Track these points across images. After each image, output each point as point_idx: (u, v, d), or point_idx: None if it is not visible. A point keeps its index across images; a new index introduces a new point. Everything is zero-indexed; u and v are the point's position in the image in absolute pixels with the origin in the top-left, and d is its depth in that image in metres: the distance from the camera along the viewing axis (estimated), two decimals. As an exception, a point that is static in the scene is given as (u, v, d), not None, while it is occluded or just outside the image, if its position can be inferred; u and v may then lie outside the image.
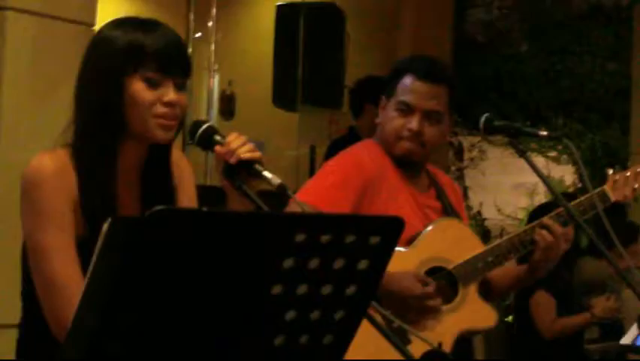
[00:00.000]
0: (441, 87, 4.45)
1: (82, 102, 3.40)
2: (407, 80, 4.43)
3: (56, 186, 3.23)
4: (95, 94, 3.35)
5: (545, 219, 4.38)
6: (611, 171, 4.54)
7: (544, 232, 4.33)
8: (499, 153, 11.65)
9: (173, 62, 3.36)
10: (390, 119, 4.43)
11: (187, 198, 3.59)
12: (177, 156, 3.59)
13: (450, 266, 4.34)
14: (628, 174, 4.50)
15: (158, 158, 3.49)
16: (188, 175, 3.62)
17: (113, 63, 3.31)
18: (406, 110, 4.41)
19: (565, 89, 12.55)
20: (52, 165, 3.27)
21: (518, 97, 11.94)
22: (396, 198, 4.32)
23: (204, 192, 3.75)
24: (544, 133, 4.42)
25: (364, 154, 4.48)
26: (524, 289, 7.46)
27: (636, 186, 4.47)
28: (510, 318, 8.70)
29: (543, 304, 7.42)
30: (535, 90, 12.37)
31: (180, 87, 3.35)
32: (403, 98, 4.42)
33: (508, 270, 4.49)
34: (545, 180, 4.26)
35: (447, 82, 4.47)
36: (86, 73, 3.42)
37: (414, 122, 4.38)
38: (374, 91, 4.51)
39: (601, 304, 7.54)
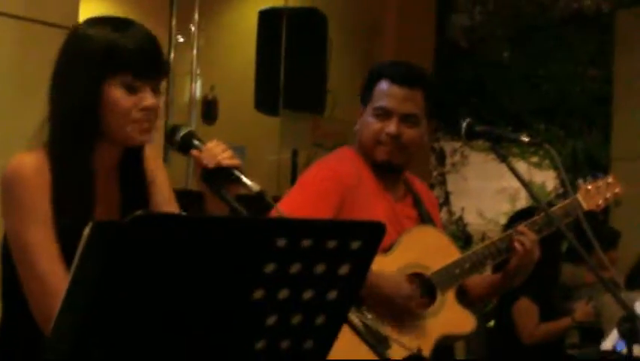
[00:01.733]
0: (417, 91, 4.46)
1: (57, 103, 3.39)
2: (383, 85, 4.44)
3: (37, 184, 3.23)
4: (70, 96, 3.34)
5: (521, 227, 4.40)
6: (581, 181, 4.56)
7: (521, 238, 4.35)
8: (481, 158, 11.66)
9: (150, 65, 3.35)
10: (367, 124, 4.44)
11: (162, 197, 3.59)
12: (150, 155, 3.58)
13: (428, 273, 4.35)
14: (599, 184, 4.52)
15: (132, 159, 3.50)
16: (162, 175, 3.62)
17: (91, 67, 3.30)
18: (383, 114, 4.41)
19: (546, 94, 12.58)
20: (32, 164, 3.27)
21: (500, 102, 11.96)
22: (373, 208, 4.32)
23: (184, 196, 3.75)
24: (526, 139, 4.43)
25: (343, 163, 4.48)
26: (507, 295, 7.48)
27: (608, 195, 4.49)
28: (492, 323, 8.71)
29: (526, 310, 7.44)
30: (517, 96, 12.39)
31: (156, 89, 3.36)
32: (380, 103, 4.42)
33: (484, 277, 4.50)
34: (527, 185, 4.28)
35: (423, 86, 4.48)
36: (62, 74, 3.41)
37: (392, 126, 4.39)
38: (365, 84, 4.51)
39: (581, 308, 7.57)
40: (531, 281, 7.11)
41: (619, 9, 10.49)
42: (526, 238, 4.35)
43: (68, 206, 3.26)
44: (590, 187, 4.49)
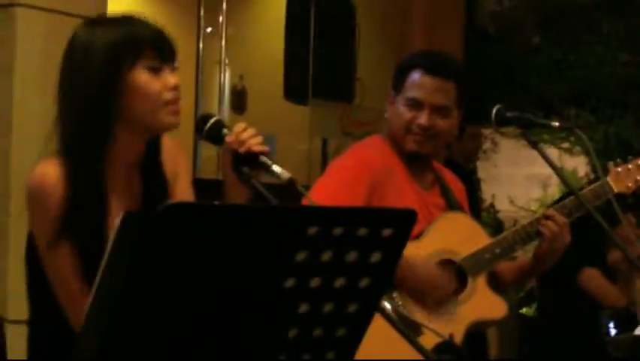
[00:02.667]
0: (449, 82, 4.45)
1: (70, 107, 3.39)
2: (415, 76, 4.44)
3: (61, 193, 3.26)
4: (88, 93, 3.34)
5: (550, 211, 4.40)
6: (611, 164, 4.55)
7: (549, 222, 4.35)
8: (511, 144, 11.64)
9: (167, 45, 3.41)
10: (399, 114, 4.43)
11: (180, 187, 3.63)
12: (170, 145, 3.61)
13: (458, 259, 4.35)
14: (630, 166, 4.51)
15: (153, 151, 3.53)
16: (183, 165, 3.69)
17: (110, 59, 3.32)
18: (415, 105, 4.41)
19: (577, 80, 12.55)
20: (53, 174, 3.30)
21: (530, 89, 11.94)
22: (403, 196, 4.32)
23: (215, 185, 3.75)
24: (557, 124, 4.45)
25: (373, 152, 4.48)
26: (562, 272, 7.45)
27: (638, 177, 4.48)
28: (525, 310, 8.68)
29: (596, 276, 7.35)
30: (547, 82, 12.37)
31: (173, 70, 3.41)
32: (412, 94, 4.42)
33: (515, 262, 4.50)
34: (558, 171, 4.28)
35: (455, 77, 4.47)
36: (74, 76, 3.40)
37: (423, 118, 4.39)
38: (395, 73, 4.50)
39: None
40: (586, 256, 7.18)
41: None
42: (555, 221, 4.35)
43: (88, 210, 3.29)
44: (620, 169, 4.48)
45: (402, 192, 4.35)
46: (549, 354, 7.72)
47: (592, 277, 7.38)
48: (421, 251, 4.18)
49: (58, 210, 3.25)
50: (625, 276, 7.19)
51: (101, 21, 3.51)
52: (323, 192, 4.21)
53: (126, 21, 3.42)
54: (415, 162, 4.49)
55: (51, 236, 3.25)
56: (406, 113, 4.43)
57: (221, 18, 9.80)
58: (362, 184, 4.27)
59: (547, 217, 4.36)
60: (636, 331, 4.50)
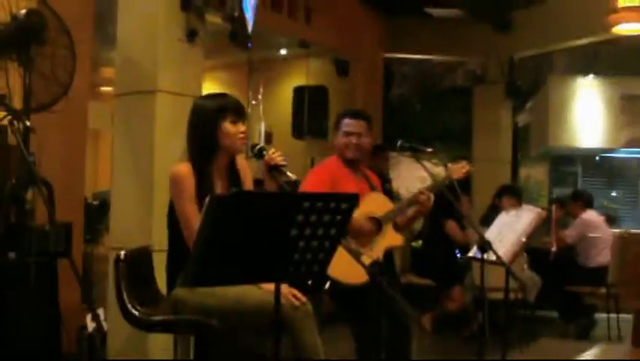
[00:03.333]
0: (361, 120, 4.48)
1: (195, 135, 3.53)
2: (345, 120, 4.47)
3: (188, 180, 3.35)
4: (202, 133, 3.51)
5: (423, 189, 4.40)
6: (450, 164, 4.56)
7: (421, 196, 4.35)
8: (407, 160, 11.65)
9: (240, 111, 3.55)
10: (341, 139, 4.45)
11: (248, 181, 3.67)
12: (241, 159, 3.69)
13: (378, 215, 4.35)
14: (459, 165, 4.51)
15: (233, 163, 3.61)
16: (248, 171, 3.70)
17: (213, 116, 3.49)
18: (347, 134, 4.44)
19: (438, 128, 12.60)
20: (185, 169, 3.41)
21: (415, 132, 11.98)
22: (347, 186, 4.33)
23: (258, 183, 3.80)
24: (429, 150, 4.45)
25: (330, 163, 4.51)
26: (435, 223, 7.46)
27: (464, 170, 4.48)
28: (416, 243, 8.64)
29: (454, 226, 7.31)
30: (424, 128, 12.41)
31: (244, 122, 3.55)
32: (346, 128, 4.45)
33: (405, 216, 4.47)
34: (430, 172, 4.29)
35: (364, 118, 4.50)
36: (196, 122, 3.54)
37: (353, 139, 4.43)
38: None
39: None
40: (449, 213, 7.16)
41: (475, 85, 10.45)
42: (425, 195, 4.36)
43: (202, 190, 3.32)
44: (454, 166, 4.48)
45: (347, 183, 4.35)
46: (429, 268, 7.67)
47: (451, 226, 7.37)
48: (359, 212, 4.19)
49: (188, 188, 3.38)
50: (466, 227, 7.21)
51: (208, 96, 3.71)
52: (308, 186, 4.25)
53: (221, 96, 3.62)
54: (352, 166, 4.49)
55: (184, 200, 3.38)
56: (344, 138, 4.45)
57: (260, 96, 9.82)
58: (325, 181, 4.29)
59: (421, 193, 4.36)
60: (469, 253, 4.47)
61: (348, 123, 4.49)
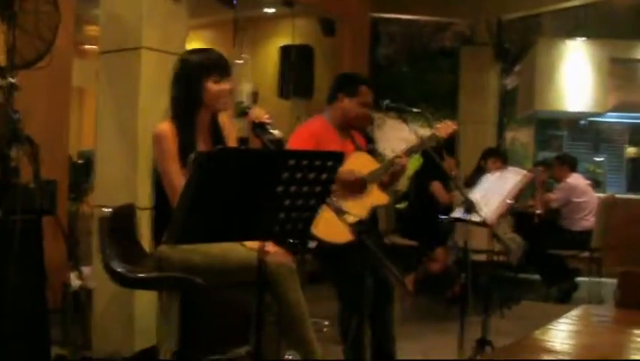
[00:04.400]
0: (373, 91, 4.50)
1: (177, 94, 3.52)
2: (363, 89, 4.46)
3: (170, 139, 3.34)
4: (185, 90, 3.50)
5: (400, 152, 4.44)
6: (437, 123, 4.58)
7: (398, 159, 4.38)
8: (392, 121, 11.65)
9: (225, 69, 3.53)
10: (356, 108, 4.44)
11: (231, 139, 3.68)
12: (226, 119, 3.69)
13: (363, 175, 4.38)
14: (446, 123, 4.53)
15: (215, 120, 3.62)
16: (232, 129, 3.71)
17: (197, 73, 3.48)
18: (366, 104, 4.45)
19: (424, 88, 12.59)
20: (167, 128, 3.41)
21: (402, 93, 11.95)
22: (332, 145, 4.35)
23: (242, 141, 3.82)
24: (416, 110, 4.47)
25: (316, 123, 4.50)
26: (420, 184, 7.48)
27: (450, 130, 4.51)
28: (401, 205, 8.67)
29: (439, 187, 7.32)
30: (410, 89, 12.39)
31: (229, 80, 3.53)
32: (365, 99, 4.45)
33: (386, 176, 4.50)
34: (416, 132, 4.31)
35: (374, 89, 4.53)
36: (179, 79, 3.53)
37: (369, 112, 4.50)
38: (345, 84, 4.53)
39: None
40: (435, 174, 7.18)
41: (461, 47, 10.44)
42: (401, 158, 4.38)
43: (184, 148, 3.34)
44: (440, 126, 4.50)
45: (332, 143, 4.36)
46: (413, 229, 7.69)
47: (437, 187, 7.39)
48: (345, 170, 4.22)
49: (170, 146, 3.38)
50: (452, 189, 7.23)
51: (193, 51, 3.65)
52: (294, 144, 4.26)
53: (206, 51, 3.59)
54: (345, 129, 4.52)
55: (167, 160, 3.38)
56: (360, 109, 4.45)
57: (246, 55, 9.82)
58: (310, 139, 4.30)
59: (397, 157, 4.39)
60: (452, 214, 4.51)
61: (367, 93, 4.48)
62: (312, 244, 4.07)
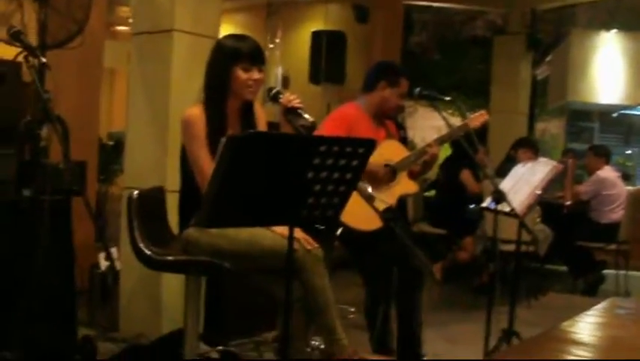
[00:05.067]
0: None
1: (209, 80, 3.50)
2: (404, 81, 4.42)
3: (199, 124, 3.33)
4: (217, 75, 3.48)
5: (431, 141, 4.40)
6: (469, 113, 4.53)
7: (429, 148, 4.35)
8: (423, 109, 11.63)
9: (256, 57, 3.47)
10: (392, 99, 4.41)
11: (262, 126, 3.64)
12: (257, 106, 3.65)
13: (393, 163, 4.35)
14: (477, 114, 4.49)
15: (247, 106, 3.57)
16: (262, 116, 3.67)
17: (227, 60, 3.45)
18: (402, 96, 4.43)
19: (455, 78, 12.53)
20: (197, 113, 3.39)
21: (433, 81, 11.89)
22: (364, 132, 4.31)
23: (273, 126, 3.79)
24: (447, 98, 4.41)
25: (349, 109, 4.46)
26: (450, 173, 7.44)
27: (482, 120, 4.47)
28: (430, 193, 8.64)
29: (469, 176, 7.29)
30: (441, 78, 12.33)
31: (260, 70, 3.45)
32: (403, 90, 4.42)
33: (416, 165, 4.48)
34: (447, 121, 4.26)
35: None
36: (211, 64, 3.51)
37: (403, 103, 4.47)
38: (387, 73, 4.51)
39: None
40: (465, 163, 7.15)
41: (496, 35, 10.36)
42: (432, 147, 4.35)
43: (213, 133, 3.32)
44: (473, 116, 4.45)
45: (364, 130, 4.33)
46: (441, 217, 7.66)
47: (466, 176, 7.35)
48: (375, 158, 4.19)
49: (199, 130, 3.36)
50: (481, 178, 7.18)
51: (229, 37, 3.60)
52: (326, 130, 4.22)
53: (241, 39, 3.53)
54: (380, 118, 4.49)
55: (196, 145, 3.36)
56: (399, 100, 4.43)
57: (278, 40, 9.82)
58: (343, 125, 4.26)
59: (428, 146, 4.36)
60: (483, 204, 4.48)
61: (405, 85, 4.44)
62: (339, 231, 4.04)
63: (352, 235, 4.06)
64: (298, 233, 3.26)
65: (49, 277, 4.00)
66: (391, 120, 4.74)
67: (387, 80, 4.43)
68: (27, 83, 4.41)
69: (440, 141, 4.41)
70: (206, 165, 3.27)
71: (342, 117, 4.39)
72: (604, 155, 8.11)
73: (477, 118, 4.47)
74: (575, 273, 7.99)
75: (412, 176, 4.49)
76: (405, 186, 4.39)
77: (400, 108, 4.52)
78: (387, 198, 4.19)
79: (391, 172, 4.34)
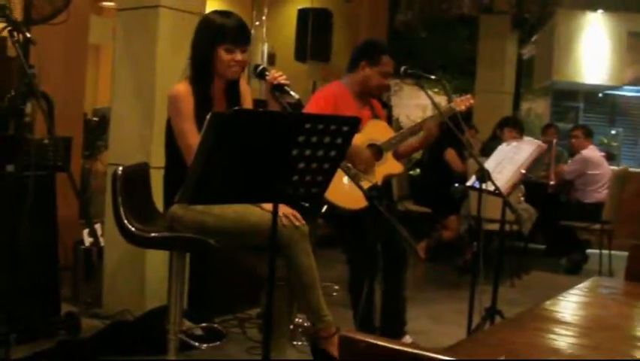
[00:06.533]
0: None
1: (194, 57, 3.50)
2: (386, 58, 4.41)
3: (187, 100, 3.32)
4: (201, 53, 3.48)
5: (428, 119, 4.40)
6: (455, 96, 4.55)
7: (428, 123, 4.36)
8: (409, 88, 11.63)
9: (240, 37, 3.47)
10: (374, 78, 4.39)
11: (247, 104, 3.63)
12: (243, 83, 3.65)
13: (378, 143, 4.35)
14: (463, 97, 4.51)
15: (232, 85, 3.57)
16: (247, 93, 3.67)
17: (210, 38, 3.45)
18: (386, 75, 4.41)
19: (442, 56, 12.53)
20: (184, 89, 3.38)
21: (419, 59, 11.87)
22: (349, 110, 4.31)
23: (259, 103, 3.79)
24: (433, 77, 4.40)
25: (334, 88, 4.45)
26: (434, 152, 7.45)
27: (467, 103, 4.48)
28: (414, 172, 8.66)
29: (454, 155, 7.31)
30: (428, 56, 12.32)
31: (244, 50, 3.46)
32: (386, 68, 4.40)
33: (407, 143, 4.48)
34: (432, 100, 4.25)
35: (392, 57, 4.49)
36: (196, 41, 3.51)
37: (387, 81, 4.46)
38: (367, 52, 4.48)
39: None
40: (450, 142, 7.16)
41: (482, 13, 10.35)
42: (431, 122, 4.36)
43: (200, 109, 3.31)
44: (458, 99, 4.47)
45: (349, 109, 4.32)
46: (426, 196, 7.70)
47: (451, 155, 7.37)
48: (360, 138, 4.19)
49: (187, 107, 3.38)
50: (466, 157, 7.18)
51: (215, 13, 3.56)
52: (312, 107, 4.21)
53: (227, 16, 3.50)
54: (364, 97, 4.48)
55: (183, 120, 3.37)
56: (381, 79, 4.41)
57: (264, 17, 9.78)
58: (329, 104, 4.25)
59: (427, 120, 4.37)
60: (467, 183, 4.50)
61: (388, 63, 4.42)
62: (324, 209, 4.05)
63: (337, 213, 4.06)
64: (286, 209, 3.27)
65: (32, 253, 4.00)
66: (376, 99, 4.74)
67: (368, 59, 4.42)
68: (11, 58, 4.39)
69: (433, 120, 4.42)
70: (193, 140, 3.25)
71: (328, 96, 4.38)
72: (587, 133, 8.14)
73: (463, 101, 4.49)
74: (556, 252, 8.04)
75: (400, 155, 4.50)
76: (390, 166, 4.40)
77: (385, 87, 4.51)
78: (372, 177, 4.20)
79: (377, 152, 4.34)
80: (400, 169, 4.50)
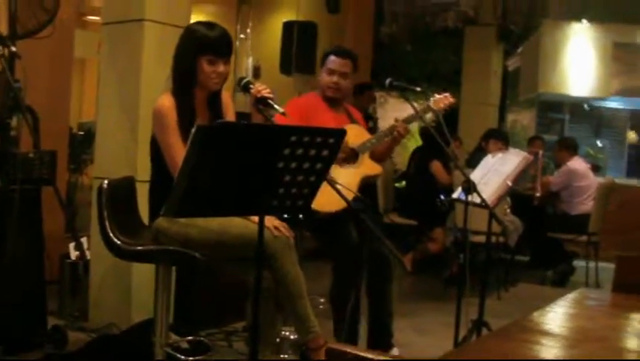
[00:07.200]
0: (347, 60, 4.49)
1: (176, 68, 3.53)
2: (331, 57, 4.47)
3: (170, 114, 3.34)
4: (183, 65, 3.51)
5: (400, 121, 4.43)
6: (435, 95, 4.58)
7: (398, 127, 4.38)
8: (394, 99, 11.66)
9: (220, 51, 3.49)
10: (324, 77, 4.47)
11: (230, 115, 3.67)
12: (225, 95, 3.67)
13: (355, 145, 4.38)
14: (442, 96, 4.54)
15: (214, 96, 3.60)
16: (229, 104, 3.69)
17: (192, 50, 3.48)
18: (331, 72, 4.46)
19: (427, 69, 12.58)
20: (167, 103, 3.40)
21: (403, 72, 11.92)
22: (324, 116, 4.36)
23: (243, 116, 3.82)
24: (418, 88, 4.44)
25: (306, 98, 4.55)
26: (420, 164, 7.48)
27: (447, 102, 4.50)
28: (400, 184, 8.67)
29: (439, 167, 7.31)
30: (412, 69, 12.37)
31: (226, 62, 3.49)
32: (330, 66, 4.46)
33: (381, 145, 4.49)
34: (417, 111, 4.28)
35: (351, 58, 4.51)
36: (178, 53, 3.54)
37: (334, 78, 4.46)
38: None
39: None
40: (435, 154, 7.18)
41: (467, 26, 10.40)
42: (400, 126, 4.38)
43: (184, 122, 3.34)
44: (436, 97, 4.50)
45: (323, 116, 4.37)
46: (412, 208, 7.70)
47: (437, 167, 7.38)
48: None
49: (171, 120, 3.38)
50: (452, 169, 7.21)
51: (198, 24, 3.57)
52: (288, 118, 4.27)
53: (209, 27, 3.51)
54: (332, 102, 4.51)
55: (168, 133, 3.39)
56: (327, 77, 4.47)
57: (249, 30, 9.80)
58: (298, 113, 4.27)
59: (396, 122, 4.40)
60: (453, 195, 4.52)
61: (333, 61, 4.49)
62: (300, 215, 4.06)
63: (317, 219, 4.06)
64: (269, 221, 3.29)
65: (18, 266, 4.00)
66: (358, 109, 4.78)
67: (321, 64, 4.56)
68: (-4, 72, 4.39)
69: (406, 121, 4.44)
70: (179, 154, 3.27)
71: (297, 105, 4.49)
72: (570, 147, 8.17)
73: (441, 100, 4.52)
74: (542, 264, 8.06)
75: (377, 157, 4.53)
76: (367, 167, 4.44)
77: (335, 85, 4.52)
78: (350, 179, 4.22)
79: (353, 154, 4.38)
80: (378, 170, 4.53)
